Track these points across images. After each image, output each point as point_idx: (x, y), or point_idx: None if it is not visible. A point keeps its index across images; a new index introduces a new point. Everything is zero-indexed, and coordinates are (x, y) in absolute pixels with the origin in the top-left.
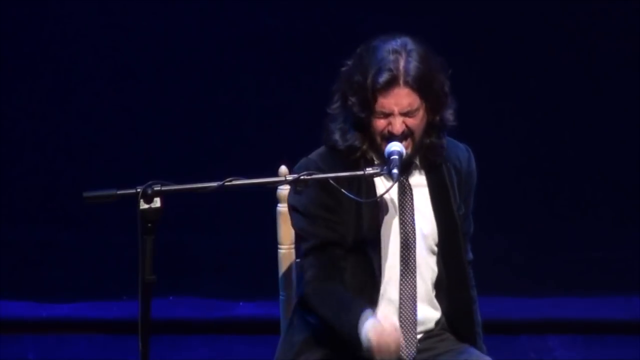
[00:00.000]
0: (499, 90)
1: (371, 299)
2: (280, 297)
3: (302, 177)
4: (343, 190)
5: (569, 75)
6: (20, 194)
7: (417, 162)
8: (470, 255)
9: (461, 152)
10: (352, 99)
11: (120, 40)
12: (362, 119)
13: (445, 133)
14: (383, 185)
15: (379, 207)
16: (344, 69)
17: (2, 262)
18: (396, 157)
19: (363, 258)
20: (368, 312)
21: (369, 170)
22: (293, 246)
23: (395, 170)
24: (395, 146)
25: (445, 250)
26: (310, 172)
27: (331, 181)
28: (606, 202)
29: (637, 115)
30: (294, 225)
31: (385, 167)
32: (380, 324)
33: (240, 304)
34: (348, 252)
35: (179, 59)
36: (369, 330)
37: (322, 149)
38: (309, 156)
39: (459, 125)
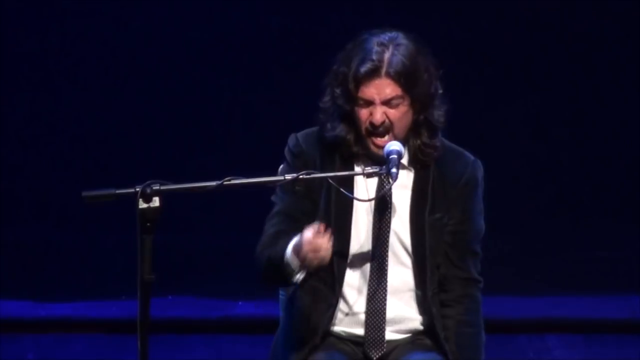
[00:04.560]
0: (500, 92)
1: (332, 293)
2: (280, 296)
3: (301, 177)
4: (342, 189)
5: (569, 76)
6: (20, 194)
7: (405, 162)
8: (476, 275)
9: (461, 163)
10: (337, 91)
11: (120, 40)
12: (346, 110)
13: (439, 135)
14: (365, 184)
15: (353, 205)
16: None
17: (2, 262)
18: (395, 156)
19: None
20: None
21: (368, 170)
22: None
23: (394, 170)
24: (394, 145)
25: (415, 257)
26: (310, 171)
27: (330, 181)
28: (606, 202)
29: (636, 116)
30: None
31: (383, 167)
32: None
33: (240, 303)
34: None
35: (179, 59)
36: (294, 243)
37: (314, 129)
38: (298, 133)
39: (460, 125)
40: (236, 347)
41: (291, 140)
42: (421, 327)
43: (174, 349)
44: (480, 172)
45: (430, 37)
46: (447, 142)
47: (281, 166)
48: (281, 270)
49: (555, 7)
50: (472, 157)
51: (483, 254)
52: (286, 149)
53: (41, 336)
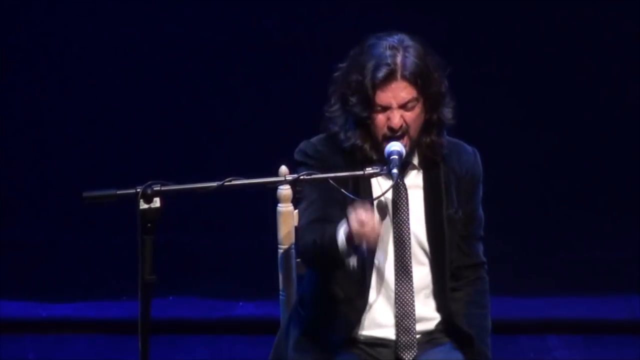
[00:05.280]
0: (500, 91)
1: (361, 298)
2: (280, 297)
3: (301, 177)
4: (342, 190)
5: (570, 75)
6: (20, 194)
7: (415, 162)
8: (482, 258)
9: (465, 155)
10: (352, 99)
11: (120, 40)
12: (363, 118)
13: (445, 131)
14: (379, 185)
15: (374, 207)
16: (338, 72)
17: (2, 262)
18: (396, 157)
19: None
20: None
21: (369, 170)
22: (293, 246)
23: (395, 170)
24: (395, 146)
25: (433, 253)
26: (310, 172)
27: (331, 181)
28: (606, 202)
29: (637, 116)
30: (299, 197)
31: (384, 167)
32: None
33: (240, 304)
34: None
35: (179, 59)
36: (344, 227)
37: (323, 135)
38: (310, 139)
39: (459, 125)
40: (236, 347)
41: (308, 147)
42: (439, 326)
43: (175, 350)
44: (480, 162)
45: (430, 35)
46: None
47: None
48: (332, 255)
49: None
50: (471, 148)
51: (483, 254)
52: (301, 155)
53: (42, 336)
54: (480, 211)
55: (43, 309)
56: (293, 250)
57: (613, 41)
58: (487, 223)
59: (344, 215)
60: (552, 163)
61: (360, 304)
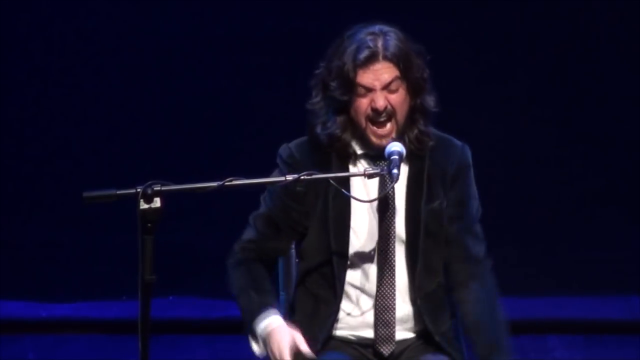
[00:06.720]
0: (500, 90)
1: (335, 299)
2: (280, 297)
3: (302, 177)
4: (343, 190)
5: (570, 75)
6: (20, 194)
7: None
8: (478, 254)
9: (452, 149)
10: (333, 84)
11: (120, 41)
12: (344, 103)
13: (430, 122)
14: (361, 183)
15: (350, 206)
16: (319, 68)
17: (2, 262)
18: (396, 157)
19: (326, 258)
20: (274, 309)
21: (369, 170)
22: (293, 246)
23: (395, 171)
24: (395, 146)
25: (408, 248)
26: (310, 172)
27: (331, 181)
28: (607, 202)
29: (637, 116)
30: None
31: (385, 167)
32: (283, 328)
33: None
34: (311, 246)
35: (179, 59)
36: (271, 326)
37: (304, 138)
38: (289, 143)
39: (459, 125)
40: (237, 347)
41: (284, 151)
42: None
43: (175, 349)
44: (469, 155)
45: (431, 33)
46: (434, 130)
47: (273, 174)
48: (245, 321)
49: None
50: (460, 142)
51: (485, 253)
52: (278, 159)
53: (42, 336)
54: (474, 206)
55: (43, 309)
56: (293, 250)
57: (624, 37)
58: (486, 223)
59: (289, 223)
60: (552, 163)
61: (333, 304)
